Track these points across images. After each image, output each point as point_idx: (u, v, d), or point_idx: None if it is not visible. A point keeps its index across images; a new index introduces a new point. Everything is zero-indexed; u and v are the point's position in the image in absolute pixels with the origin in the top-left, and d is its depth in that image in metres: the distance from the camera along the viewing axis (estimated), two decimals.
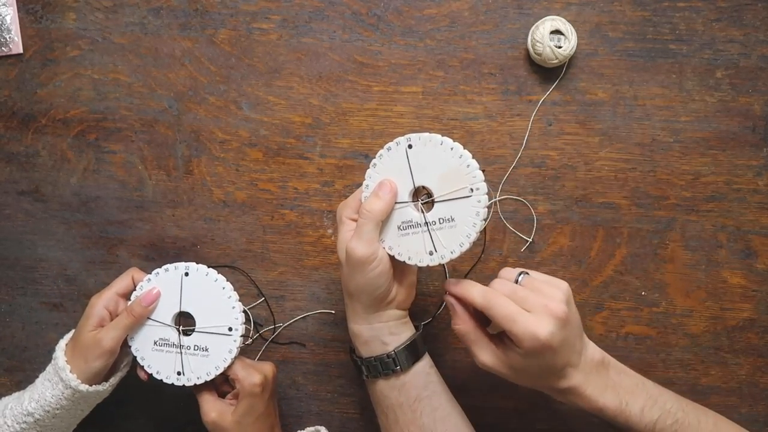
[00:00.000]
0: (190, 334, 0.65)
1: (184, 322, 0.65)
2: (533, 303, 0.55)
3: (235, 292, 0.64)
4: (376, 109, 0.71)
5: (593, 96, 0.70)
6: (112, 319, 0.65)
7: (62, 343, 0.65)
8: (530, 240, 0.71)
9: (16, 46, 0.72)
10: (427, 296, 0.72)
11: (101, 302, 0.64)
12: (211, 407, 0.65)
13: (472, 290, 0.57)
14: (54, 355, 0.63)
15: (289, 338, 0.74)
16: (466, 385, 0.71)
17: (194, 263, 0.64)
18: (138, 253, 0.73)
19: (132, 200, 0.73)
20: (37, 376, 0.65)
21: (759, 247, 0.70)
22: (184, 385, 0.65)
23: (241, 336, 0.64)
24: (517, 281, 0.58)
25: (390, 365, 0.60)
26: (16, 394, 0.66)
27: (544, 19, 0.68)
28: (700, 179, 0.70)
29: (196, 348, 0.64)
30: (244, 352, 0.69)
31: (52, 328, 0.74)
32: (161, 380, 0.65)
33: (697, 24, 0.69)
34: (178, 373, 0.65)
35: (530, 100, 0.70)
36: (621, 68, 0.70)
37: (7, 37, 0.72)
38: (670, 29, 0.69)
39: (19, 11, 0.72)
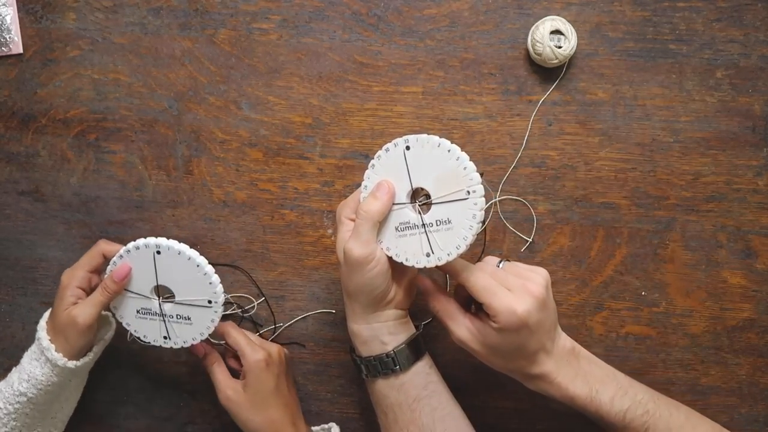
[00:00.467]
0: (171, 301, 0.65)
1: (164, 290, 0.65)
2: (513, 283, 0.56)
3: (210, 266, 0.63)
4: (376, 109, 0.71)
5: (593, 96, 0.70)
6: (86, 295, 0.65)
7: (42, 323, 0.65)
8: (530, 240, 0.71)
9: (16, 46, 0.72)
10: (426, 296, 0.72)
11: (74, 281, 0.64)
12: (226, 385, 0.66)
13: (455, 264, 0.58)
14: (37, 335, 0.64)
15: (289, 338, 0.74)
16: (466, 385, 0.71)
17: (164, 239, 0.63)
18: None
19: (132, 200, 0.73)
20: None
21: (759, 247, 0.70)
22: (172, 348, 0.66)
23: (223, 305, 0.64)
24: (498, 266, 0.59)
25: (389, 365, 0.60)
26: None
27: (544, 19, 0.68)
28: (700, 179, 0.70)
29: (179, 317, 0.65)
30: None
31: None
32: (149, 343, 0.66)
33: (697, 24, 0.69)
34: (165, 337, 0.66)
35: (530, 100, 0.70)
36: (621, 68, 0.70)
37: (7, 37, 0.72)
38: (670, 29, 0.69)
39: (19, 11, 0.72)
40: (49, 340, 0.63)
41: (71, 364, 0.63)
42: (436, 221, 0.58)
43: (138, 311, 0.65)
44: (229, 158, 0.72)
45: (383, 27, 0.71)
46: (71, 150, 0.73)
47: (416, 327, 0.63)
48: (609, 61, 0.70)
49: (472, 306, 0.62)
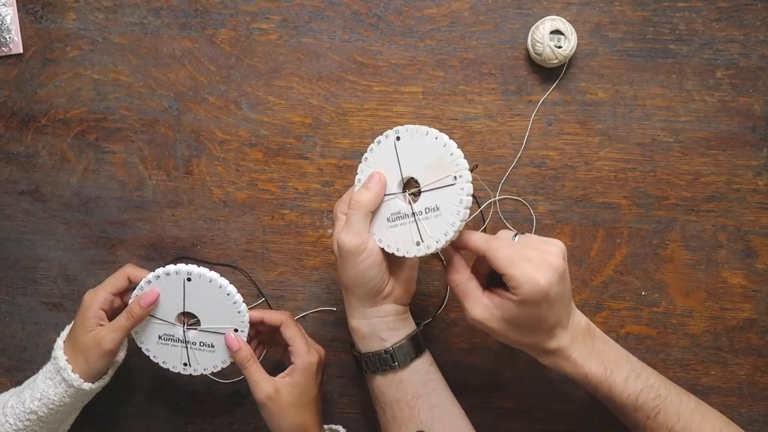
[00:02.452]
0: (195, 328, 0.65)
1: (189, 316, 0.65)
2: (532, 255, 0.55)
3: (240, 295, 0.64)
4: (376, 109, 0.71)
5: (593, 96, 0.70)
6: (108, 317, 0.64)
7: (60, 342, 0.64)
8: None
9: (16, 46, 0.72)
10: (427, 296, 0.72)
11: (96, 303, 0.64)
12: (269, 383, 0.63)
13: (474, 236, 0.57)
14: (54, 354, 0.63)
15: None
16: (466, 385, 0.71)
17: (195, 266, 0.64)
18: (138, 253, 0.73)
19: (132, 200, 0.73)
20: (36, 374, 0.66)
21: (759, 247, 0.70)
22: (191, 375, 0.66)
23: (248, 335, 0.64)
24: (513, 240, 0.58)
25: (387, 361, 0.60)
26: (12, 391, 0.66)
27: (544, 19, 0.68)
28: (700, 179, 0.70)
29: (202, 344, 0.65)
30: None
31: (52, 328, 0.74)
32: (167, 369, 0.66)
33: (697, 24, 0.69)
34: (185, 364, 0.66)
35: (530, 100, 0.70)
36: (621, 68, 0.70)
37: (7, 37, 0.72)
38: (670, 29, 0.69)
39: (19, 11, 0.72)
40: (66, 360, 0.63)
41: (86, 386, 0.63)
42: (425, 209, 0.58)
43: (160, 337, 0.65)
44: (229, 158, 0.72)
45: (383, 27, 0.71)
46: (71, 150, 0.73)
47: (417, 324, 0.63)
48: (609, 61, 0.70)
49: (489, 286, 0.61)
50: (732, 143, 0.70)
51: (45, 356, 0.74)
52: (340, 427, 0.70)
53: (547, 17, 0.69)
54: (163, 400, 0.74)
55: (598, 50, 0.70)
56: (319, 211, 0.72)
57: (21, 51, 0.72)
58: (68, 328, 0.66)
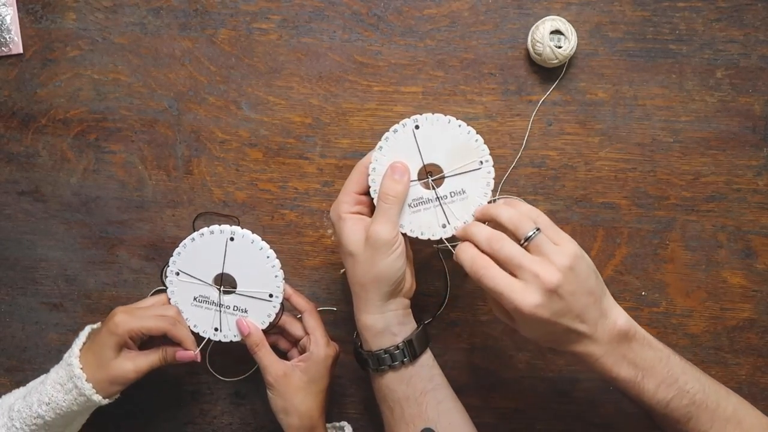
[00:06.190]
0: (230, 294, 0.66)
1: (225, 281, 0.66)
2: (528, 270, 0.53)
3: (278, 261, 0.65)
4: (376, 109, 0.71)
5: (593, 96, 0.70)
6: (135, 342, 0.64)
7: (76, 350, 0.63)
8: None
9: (16, 46, 0.72)
10: (427, 296, 0.72)
11: (129, 332, 0.62)
12: (279, 366, 0.64)
13: (469, 249, 0.57)
14: (68, 361, 0.62)
15: None
16: (466, 385, 0.71)
17: (239, 228, 0.64)
18: (138, 253, 0.73)
19: (132, 200, 0.73)
20: (37, 376, 0.65)
21: (759, 247, 0.70)
22: (220, 341, 0.66)
23: (281, 303, 0.65)
24: (528, 238, 0.54)
25: (398, 356, 0.60)
26: (17, 393, 0.66)
27: (544, 19, 0.69)
28: (700, 179, 0.70)
29: (235, 308, 0.66)
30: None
31: (52, 328, 0.74)
32: (198, 334, 0.66)
33: (697, 24, 0.69)
34: (216, 329, 0.66)
35: (530, 100, 0.71)
36: (621, 68, 0.70)
37: (7, 37, 0.72)
38: (670, 29, 0.69)
39: (19, 11, 0.72)
40: (81, 368, 0.62)
41: (97, 398, 0.62)
42: (450, 193, 0.60)
43: (195, 298, 0.66)
44: (229, 158, 0.72)
45: (383, 27, 0.71)
46: (71, 150, 0.73)
47: (418, 322, 0.63)
48: (609, 61, 0.70)
49: None
50: (732, 143, 0.70)
51: (45, 356, 0.74)
52: (345, 424, 0.70)
53: (547, 17, 0.69)
54: (163, 400, 0.74)
55: (598, 50, 0.70)
56: (319, 211, 0.72)
57: (21, 51, 0.72)
58: (83, 334, 0.65)
